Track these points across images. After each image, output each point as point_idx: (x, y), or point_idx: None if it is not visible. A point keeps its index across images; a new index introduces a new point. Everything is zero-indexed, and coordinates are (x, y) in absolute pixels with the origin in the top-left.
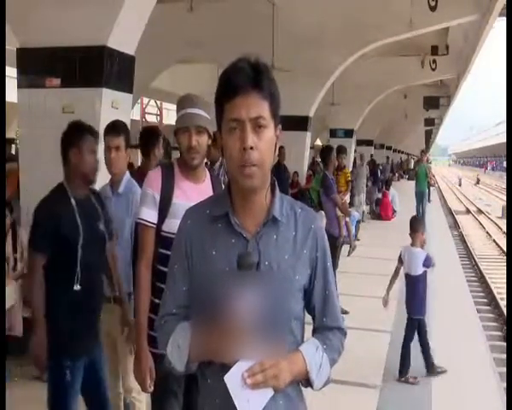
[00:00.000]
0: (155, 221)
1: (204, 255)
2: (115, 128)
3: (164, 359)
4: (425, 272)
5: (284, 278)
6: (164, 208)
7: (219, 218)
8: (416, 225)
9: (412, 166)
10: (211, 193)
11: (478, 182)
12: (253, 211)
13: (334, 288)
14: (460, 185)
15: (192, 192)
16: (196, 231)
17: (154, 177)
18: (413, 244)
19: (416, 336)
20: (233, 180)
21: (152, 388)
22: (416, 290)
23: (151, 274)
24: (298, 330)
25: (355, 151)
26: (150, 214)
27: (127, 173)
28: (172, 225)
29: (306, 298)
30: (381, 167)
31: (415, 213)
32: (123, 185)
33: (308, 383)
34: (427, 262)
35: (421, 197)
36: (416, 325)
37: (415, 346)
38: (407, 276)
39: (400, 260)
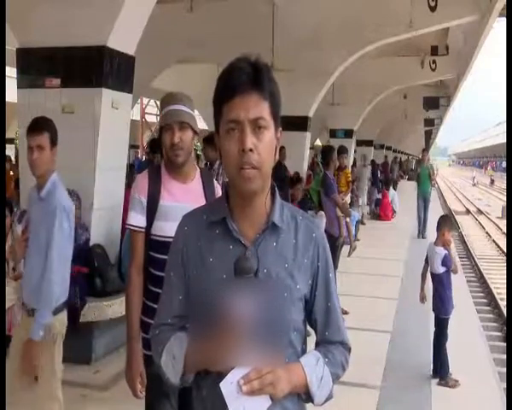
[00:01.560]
0: (143, 225)
1: (201, 262)
2: (38, 125)
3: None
4: (447, 272)
5: (284, 287)
6: (152, 212)
7: (217, 223)
8: (440, 224)
9: (413, 166)
10: (200, 192)
11: (492, 183)
12: (252, 216)
13: (336, 300)
14: (474, 185)
15: (179, 192)
16: (193, 238)
17: (141, 181)
18: (436, 243)
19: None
20: (231, 184)
21: (143, 393)
22: (437, 289)
23: (143, 277)
24: (298, 342)
25: (355, 151)
26: (138, 219)
27: (53, 176)
28: (161, 227)
29: (308, 310)
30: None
31: (415, 214)
32: (45, 189)
33: (309, 397)
34: (446, 262)
35: (423, 200)
36: (441, 323)
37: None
38: (431, 274)
39: (426, 259)
